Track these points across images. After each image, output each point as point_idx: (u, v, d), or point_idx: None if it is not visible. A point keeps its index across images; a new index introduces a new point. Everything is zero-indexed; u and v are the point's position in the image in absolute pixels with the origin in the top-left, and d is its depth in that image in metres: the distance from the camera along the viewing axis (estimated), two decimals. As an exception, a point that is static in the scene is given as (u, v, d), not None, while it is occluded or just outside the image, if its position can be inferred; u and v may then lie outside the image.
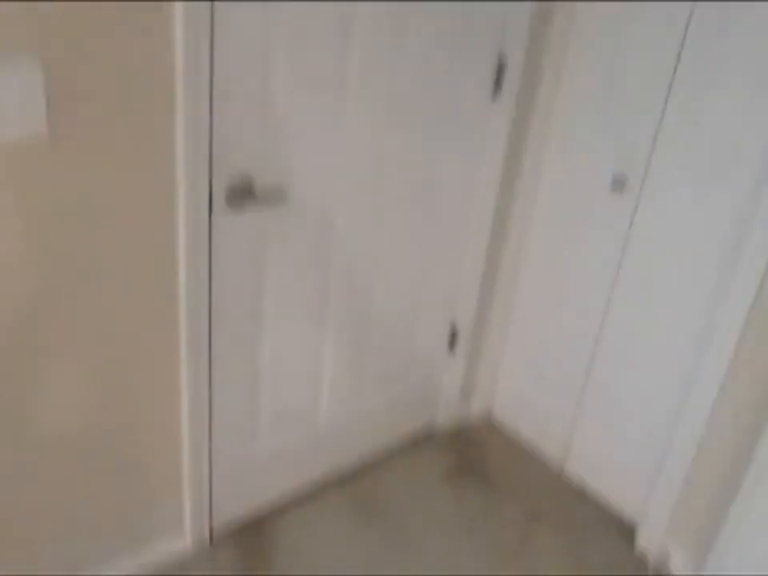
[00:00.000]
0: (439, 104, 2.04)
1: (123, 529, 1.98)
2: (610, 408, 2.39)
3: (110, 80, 1.47)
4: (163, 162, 1.61)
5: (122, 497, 1.93)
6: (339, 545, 2.21)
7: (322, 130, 1.84)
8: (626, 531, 2.37)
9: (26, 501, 1.75)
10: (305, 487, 2.37)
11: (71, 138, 1.47)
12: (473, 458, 2.60)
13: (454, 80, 2.04)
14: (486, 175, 2.27)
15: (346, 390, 2.32)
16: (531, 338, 2.56)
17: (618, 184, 2.12)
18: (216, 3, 1.52)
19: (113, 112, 1.50)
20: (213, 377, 1.94)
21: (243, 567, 2.11)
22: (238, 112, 1.67)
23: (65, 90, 1.43)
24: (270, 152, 1.76)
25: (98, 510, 1.91)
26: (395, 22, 1.83)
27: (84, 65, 1.43)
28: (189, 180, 1.64)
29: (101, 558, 1.97)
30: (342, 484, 2.42)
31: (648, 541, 2.30)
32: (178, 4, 1.47)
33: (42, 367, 1.63)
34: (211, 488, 2.11)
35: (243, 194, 1.74)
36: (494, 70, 2.10)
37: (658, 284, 2.16)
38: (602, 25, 2.11)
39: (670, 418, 2.20)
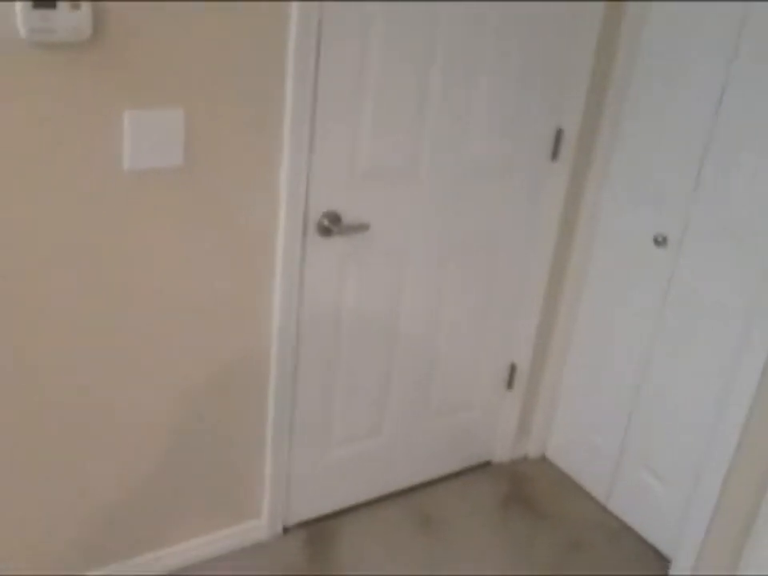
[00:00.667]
0: (503, 164, 2.38)
1: (207, 511, 2.33)
2: (649, 448, 2.60)
3: (231, 122, 1.87)
4: (270, 193, 2.00)
5: (210, 484, 2.28)
6: (394, 551, 2.48)
7: (399, 179, 2.20)
8: (661, 563, 2.55)
9: (124, 481, 2.12)
10: (368, 496, 2.66)
11: (200, 166, 1.87)
12: (523, 488, 2.84)
13: (517, 143, 2.37)
14: (544, 228, 2.57)
15: (410, 414, 2.61)
16: (583, 380, 2.81)
17: (660, 241, 2.40)
18: (320, 62, 1.92)
19: (233, 148, 1.90)
20: (296, 390, 2.30)
21: (309, 558, 2.41)
22: (331, 161, 2.05)
23: (197, 129, 1.84)
24: (354, 194, 2.13)
25: (187, 493, 2.26)
26: (465, 93, 2.19)
27: (213, 110, 1.84)
28: (289, 209, 2.02)
29: (182, 536, 2.31)
30: (402, 498, 2.71)
31: (680, 570, 2.47)
32: (289, 69, 1.89)
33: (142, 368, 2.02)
34: (288, 485, 2.43)
35: (331, 224, 2.11)
36: (553, 135, 2.44)
37: (697, 332, 2.39)
38: (646, 97, 2.42)
39: (699, 457, 2.41)
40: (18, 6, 1.52)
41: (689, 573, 2.44)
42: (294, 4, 1.82)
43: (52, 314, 1.82)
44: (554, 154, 2.46)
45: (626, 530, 2.69)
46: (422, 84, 2.11)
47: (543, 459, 3.00)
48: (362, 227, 2.17)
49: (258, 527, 2.44)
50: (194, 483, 2.25)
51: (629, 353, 2.62)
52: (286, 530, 2.50)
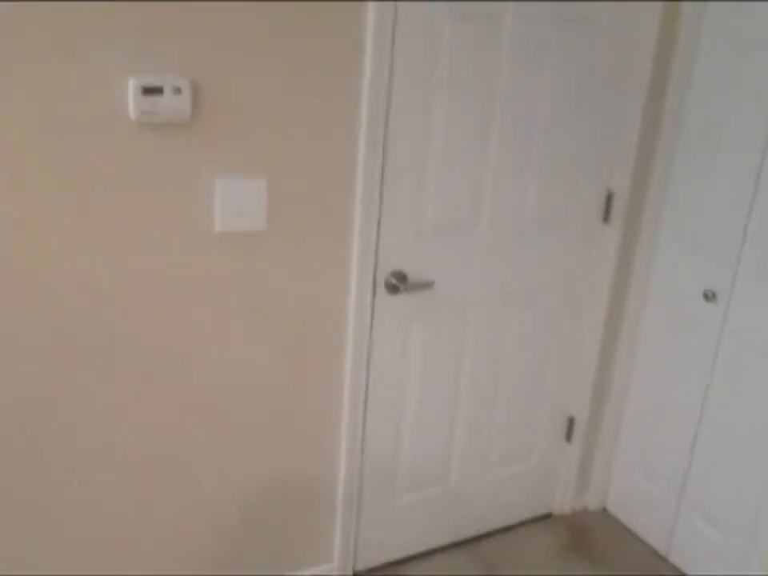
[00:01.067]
0: (558, 222, 2.55)
1: (284, 554, 2.47)
2: (706, 498, 2.66)
3: (308, 190, 2.09)
4: (342, 258, 2.20)
5: (287, 531, 2.44)
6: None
7: (461, 235, 2.38)
8: (722, 613, 2.60)
9: (206, 517, 2.30)
10: (436, 544, 2.78)
11: (281, 230, 2.08)
12: (583, 538, 2.92)
13: (569, 203, 2.55)
14: (598, 284, 2.72)
15: (474, 463, 2.74)
16: (640, 432, 2.90)
17: (709, 296, 2.52)
18: (389, 129, 2.14)
19: (311, 213, 2.11)
20: (366, 433, 2.46)
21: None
22: (398, 222, 2.25)
23: (279, 196, 2.06)
24: (419, 252, 2.32)
25: (266, 539, 2.42)
26: (522, 152, 2.38)
27: (291, 180, 2.05)
28: (360, 269, 2.22)
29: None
30: (467, 546, 2.82)
31: (742, 622, 2.52)
32: (361, 138, 2.11)
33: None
34: (358, 530, 2.57)
35: (398, 282, 2.29)
36: (605, 198, 2.61)
37: (749, 381, 2.48)
38: (691, 157, 2.57)
39: (756, 506, 2.47)
40: (131, 92, 1.77)
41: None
42: (366, 82, 2.05)
43: (158, 353, 2.03)
44: (606, 215, 2.63)
45: (685, 580, 2.75)
46: (481, 143, 2.31)
47: (603, 511, 3.08)
48: (427, 284, 2.35)
49: (330, 571, 2.57)
50: (271, 530, 2.41)
51: (684, 404, 2.71)
52: (356, 574, 2.62)
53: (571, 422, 2.90)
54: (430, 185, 2.27)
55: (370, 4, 1.98)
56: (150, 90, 1.79)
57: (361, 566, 2.64)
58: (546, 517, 3.02)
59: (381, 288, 2.29)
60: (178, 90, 1.83)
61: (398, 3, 2.02)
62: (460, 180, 2.31)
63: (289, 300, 2.17)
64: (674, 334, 2.72)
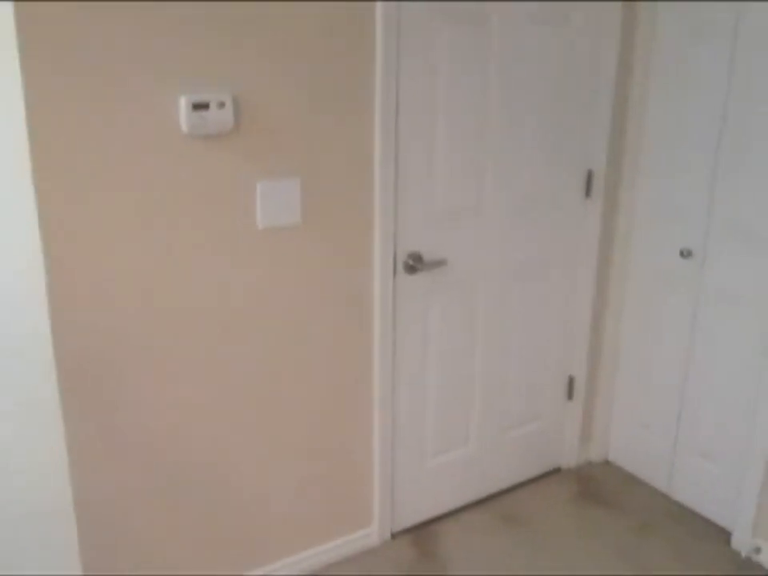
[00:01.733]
0: (548, 200, 2.87)
1: (328, 523, 2.73)
2: (700, 436, 2.98)
3: (335, 187, 2.37)
4: (366, 241, 2.47)
5: (330, 500, 2.70)
6: (489, 547, 2.85)
7: (467, 218, 2.68)
8: (724, 536, 2.91)
9: (255, 492, 2.54)
10: (462, 502, 3.06)
11: (313, 224, 2.36)
12: (592, 486, 3.23)
13: (558, 184, 2.87)
14: (586, 253, 3.04)
15: (489, 426, 3.03)
16: (634, 385, 3.22)
17: (685, 253, 2.85)
18: (399, 133, 2.43)
19: (338, 207, 2.39)
20: (395, 407, 2.73)
21: (417, 559, 2.78)
22: (413, 211, 2.54)
23: (310, 194, 2.33)
24: (433, 237, 2.61)
25: (316, 508, 2.68)
26: (514, 144, 2.70)
27: (321, 179, 2.33)
28: (382, 254, 2.49)
29: (307, 544, 2.70)
30: (489, 502, 3.10)
31: (740, 541, 2.83)
32: (376, 146, 2.39)
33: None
34: (393, 495, 2.83)
35: (415, 263, 2.57)
36: (586, 176, 2.93)
37: (727, 326, 2.81)
38: (660, 135, 2.92)
39: (745, 436, 2.80)
40: (182, 108, 2.04)
41: (748, 542, 2.80)
42: (378, 89, 2.34)
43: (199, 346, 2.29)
44: (588, 191, 2.95)
45: (688, 511, 3.06)
46: (479, 136, 2.61)
47: (606, 462, 3.39)
48: (440, 263, 2.64)
49: (371, 534, 2.82)
50: (319, 503, 2.67)
51: (671, 353, 3.04)
52: (393, 535, 2.88)
53: (571, 381, 3.21)
54: (438, 176, 2.56)
55: (378, 19, 2.28)
56: (199, 106, 2.06)
57: (398, 528, 2.90)
58: (556, 471, 3.32)
59: (400, 269, 2.57)
60: (222, 105, 2.09)
61: (401, 7, 2.32)
62: (463, 169, 2.61)
63: (323, 283, 2.44)
64: (657, 292, 3.04)
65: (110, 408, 2.17)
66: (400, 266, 2.57)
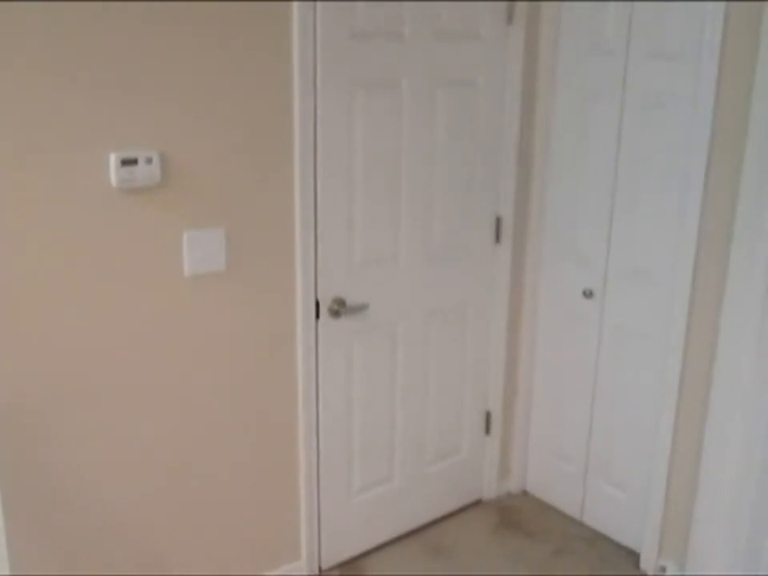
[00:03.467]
0: (461, 247, 3.07)
1: (256, 556, 2.82)
2: (608, 465, 3.18)
3: (258, 236, 2.53)
4: (289, 288, 2.63)
5: (257, 533, 2.80)
6: (410, 571, 3.00)
7: (385, 266, 2.86)
8: (632, 558, 3.09)
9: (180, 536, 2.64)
10: (388, 535, 3.18)
11: (238, 271, 2.50)
12: (511, 516, 3.40)
13: (468, 231, 3.08)
14: (497, 294, 3.25)
15: (412, 461, 3.17)
16: (547, 419, 3.42)
17: (587, 293, 3.09)
18: (318, 187, 2.61)
19: (261, 254, 2.54)
20: (320, 445, 2.85)
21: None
22: (334, 259, 2.70)
23: (235, 243, 2.48)
24: (354, 283, 2.77)
25: (239, 544, 2.77)
26: (426, 196, 2.90)
27: (244, 229, 2.49)
28: (303, 298, 2.65)
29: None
30: (415, 535, 3.24)
31: (648, 562, 3.02)
32: (296, 198, 2.57)
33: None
34: (320, 531, 2.94)
35: (339, 307, 2.72)
36: (495, 223, 3.15)
37: (627, 362, 3.03)
38: (561, 185, 3.16)
39: (647, 465, 3.00)
40: (112, 164, 2.18)
41: (654, 562, 2.99)
42: (297, 148, 2.53)
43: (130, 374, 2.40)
44: (497, 237, 3.17)
45: (600, 536, 3.25)
46: (396, 191, 2.81)
47: (524, 492, 3.57)
48: (363, 307, 2.80)
49: (300, 569, 2.92)
50: (245, 539, 2.77)
51: (579, 387, 3.25)
52: (321, 571, 2.99)
53: (488, 416, 3.39)
54: (356, 225, 2.74)
55: (295, 86, 2.47)
56: (127, 161, 2.21)
57: (326, 564, 3.00)
58: (477, 502, 3.48)
59: (324, 313, 2.72)
60: (149, 160, 2.24)
61: (321, 76, 2.52)
62: (380, 219, 2.80)
63: (247, 326, 2.58)
64: (564, 329, 3.26)
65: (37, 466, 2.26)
66: (324, 310, 2.72)
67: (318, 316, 2.71)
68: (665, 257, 2.83)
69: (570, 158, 3.12)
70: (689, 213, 2.68)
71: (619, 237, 2.98)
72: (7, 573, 2.23)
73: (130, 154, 2.20)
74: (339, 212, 2.69)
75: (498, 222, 3.16)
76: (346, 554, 3.07)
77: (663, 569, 2.97)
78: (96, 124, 2.14)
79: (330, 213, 2.66)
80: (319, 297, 2.70)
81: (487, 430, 3.41)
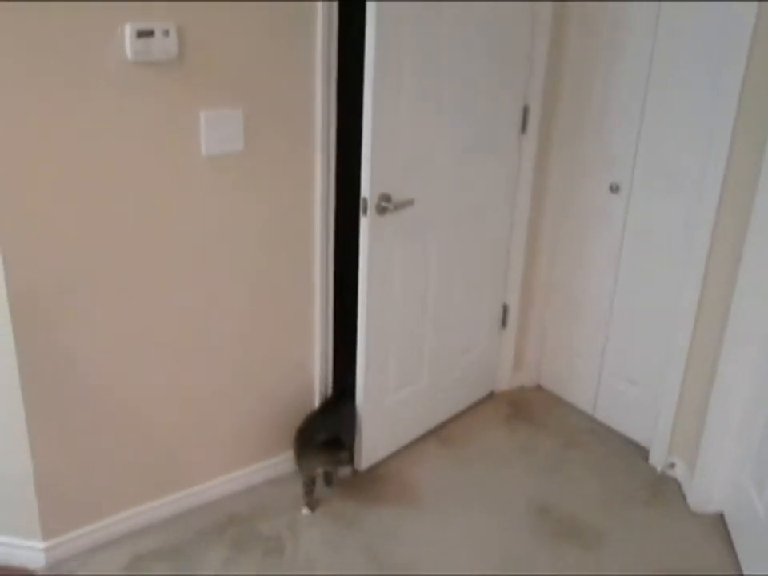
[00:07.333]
0: (491, 140, 2.99)
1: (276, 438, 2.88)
2: (623, 361, 3.18)
3: (279, 117, 2.45)
4: (308, 173, 2.57)
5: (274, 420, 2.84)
6: (432, 466, 3.04)
7: (427, 166, 2.75)
8: (642, 453, 3.12)
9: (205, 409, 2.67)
10: (412, 435, 3.18)
11: (256, 152, 2.44)
12: (523, 409, 3.43)
13: (497, 120, 2.98)
14: (522, 188, 3.18)
15: (439, 360, 3.15)
16: (564, 314, 3.40)
17: (614, 188, 3.01)
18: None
19: (280, 136, 2.47)
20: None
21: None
22: (383, 157, 2.56)
23: (253, 123, 2.41)
24: (401, 180, 2.64)
25: (260, 421, 2.81)
26: (462, 93, 2.78)
27: (263, 109, 2.41)
28: (321, 191, 2.61)
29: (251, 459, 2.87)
30: (435, 431, 3.26)
31: (657, 458, 3.05)
32: (317, 82, 2.47)
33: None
34: (361, 433, 2.88)
35: (385, 203, 2.60)
36: (522, 112, 3.05)
37: (650, 258, 2.98)
38: (594, 74, 3.03)
39: (662, 361, 2.99)
40: (127, 36, 2.09)
41: (663, 459, 3.02)
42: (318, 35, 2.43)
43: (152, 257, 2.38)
44: (523, 127, 3.08)
45: (610, 431, 3.28)
46: (437, 97, 2.69)
47: (538, 387, 3.59)
48: (408, 202, 2.68)
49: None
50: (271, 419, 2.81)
51: (599, 283, 3.21)
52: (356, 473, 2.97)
53: (505, 310, 3.37)
54: (398, 121, 2.59)
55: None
56: (143, 33, 2.11)
57: (364, 466, 2.98)
58: (490, 395, 3.50)
59: (372, 209, 2.58)
60: (166, 33, 2.15)
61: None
62: (423, 121, 2.68)
63: (265, 207, 2.53)
64: (587, 225, 3.20)
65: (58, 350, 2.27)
66: (372, 208, 2.57)
67: (365, 212, 2.57)
68: (695, 158, 2.73)
69: (603, 50, 2.97)
70: (722, 114, 2.57)
71: (649, 134, 2.88)
72: (30, 465, 2.29)
73: (146, 25, 2.11)
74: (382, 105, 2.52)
75: (525, 110, 3.05)
76: (378, 456, 3.03)
77: (672, 465, 3.00)
78: (110, -9, 2.05)
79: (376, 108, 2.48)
80: (366, 194, 2.55)
81: (503, 323, 3.40)
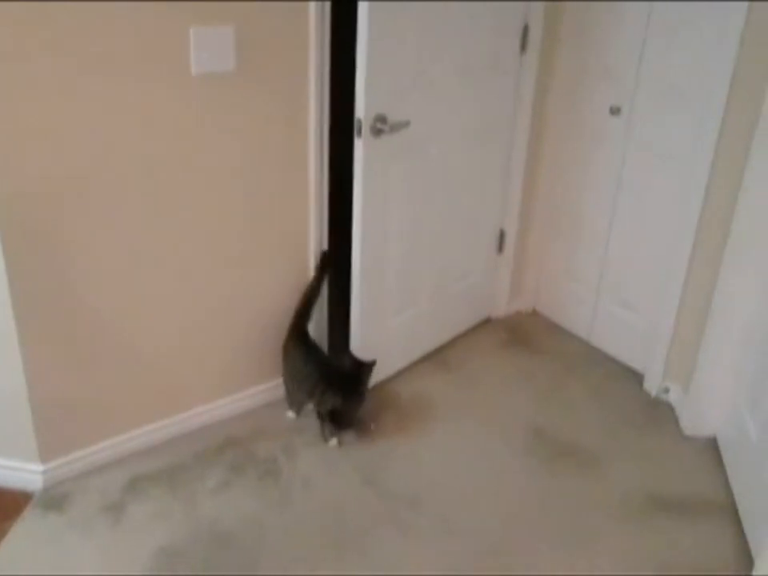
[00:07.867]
0: (490, 59, 2.90)
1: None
2: (620, 287, 3.17)
3: (272, 35, 2.37)
4: (301, 95, 2.51)
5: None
6: (430, 389, 3.04)
7: (424, 87, 2.67)
8: (636, 378, 3.14)
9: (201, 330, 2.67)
10: (410, 359, 3.18)
11: (248, 72, 2.37)
12: (520, 334, 3.43)
13: (497, 40, 2.90)
14: (522, 108, 3.12)
15: (437, 284, 3.13)
16: (562, 240, 3.37)
17: (614, 110, 2.95)
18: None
19: (272, 56, 2.40)
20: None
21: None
22: (379, 77, 2.46)
23: (245, 42, 2.33)
24: (396, 100, 2.56)
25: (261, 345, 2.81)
26: (461, 10, 2.69)
27: (256, 28, 2.33)
28: (315, 112, 2.55)
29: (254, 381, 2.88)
30: (432, 355, 3.26)
31: (651, 383, 3.06)
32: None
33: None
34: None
35: (380, 125, 2.52)
36: (522, 31, 2.97)
37: (650, 183, 2.94)
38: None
39: (660, 287, 2.97)
40: (111, -53, 2.00)
41: (658, 383, 3.03)
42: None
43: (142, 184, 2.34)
44: (523, 46, 3.00)
45: (606, 357, 3.29)
46: (434, 15, 2.60)
47: (534, 312, 3.59)
48: (404, 123, 2.60)
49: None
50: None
51: (597, 208, 3.18)
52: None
53: (502, 235, 3.34)
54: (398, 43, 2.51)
55: None
56: (128, -54, 2.03)
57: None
58: (487, 321, 3.50)
59: (367, 131, 2.49)
60: (151, -56, 2.06)
61: None
62: (421, 43, 2.59)
63: (257, 126, 2.47)
64: (587, 148, 3.15)
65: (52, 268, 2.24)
66: (367, 129, 2.49)
67: (359, 134, 2.50)
68: (699, 76, 2.67)
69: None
70: (729, 33, 2.49)
71: (652, 51, 2.80)
72: (24, 386, 2.29)
73: (130, -65, 2.03)
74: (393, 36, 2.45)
75: (525, 30, 2.97)
76: (377, 378, 2.96)
77: (666, 390, 3.01)
78: None
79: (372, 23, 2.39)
80: (361, 116, 2.47)
81: (500, 248, 3.37)
